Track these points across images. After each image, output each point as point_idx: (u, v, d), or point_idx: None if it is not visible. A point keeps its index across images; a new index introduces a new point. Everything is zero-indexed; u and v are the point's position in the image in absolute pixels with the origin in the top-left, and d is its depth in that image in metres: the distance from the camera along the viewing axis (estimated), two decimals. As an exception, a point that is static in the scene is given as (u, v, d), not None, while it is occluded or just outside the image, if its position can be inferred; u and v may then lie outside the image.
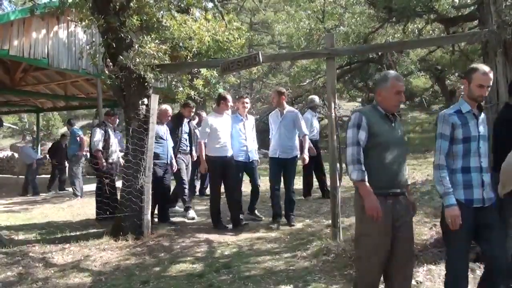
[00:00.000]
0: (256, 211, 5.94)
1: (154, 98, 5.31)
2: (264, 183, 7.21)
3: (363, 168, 2.57)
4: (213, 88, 6.59)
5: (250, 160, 5.72)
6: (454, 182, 2.59)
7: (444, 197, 2.56)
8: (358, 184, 2.58)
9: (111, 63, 5.10)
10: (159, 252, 4.69)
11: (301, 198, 6.98)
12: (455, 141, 2.60)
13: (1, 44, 7.07)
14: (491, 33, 4.03)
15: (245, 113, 5.79)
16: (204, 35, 5.67)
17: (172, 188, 6.43)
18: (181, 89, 5.71)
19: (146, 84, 5.25)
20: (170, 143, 6.08)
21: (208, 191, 7.05)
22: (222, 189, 5.69)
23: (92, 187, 9.06)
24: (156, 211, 5.92)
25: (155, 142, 5.59)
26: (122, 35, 5.04)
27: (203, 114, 7.74)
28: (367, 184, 2.55)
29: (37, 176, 10.61)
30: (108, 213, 6.16)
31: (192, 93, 5.80)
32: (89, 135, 7.76)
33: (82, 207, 7.89)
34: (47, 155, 11.78)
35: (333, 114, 4.56)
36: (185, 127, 6.56)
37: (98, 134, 6.58)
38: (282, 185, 5.54)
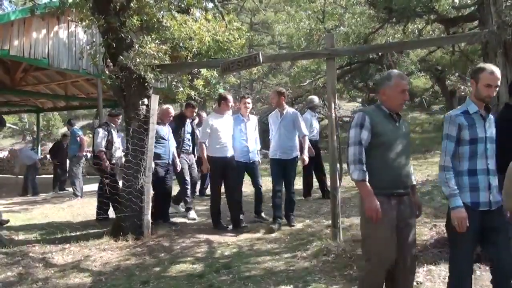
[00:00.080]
0: (262, 213, 5.90)
1: (154, 98, 5.31)
2: (264, 183, 7.20)
3: (364, 168, 2.56)
4: (213, 89, 6.57)
5: (251, 161, 5.71)
6: (460, 184, 2.51)
7: (450, 198, 2.49)
8: (359, 184, 2.57)
9: (111, 63, 5.11)
10: (159, 252, 4.69)
11: (301, 199, 6.97)
12: (461, 142, 2.53)
13: (1, 44, 7.08)
14: (491, 33, 4.03)
15: (247, 114, 5.78)
16: (204, 35, 5.67)
17: (175, 188, 6.42)
18: (181, 89, 5.70)
19: (146, 84, 5.25)
20: (172, 143, 6.07)
21: (208, 191, 7.06)
22: (222, 189, 5.69)
23: (92, 187, 9.08)
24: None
25: (157, 143, 5.59)
26: (123, 35, 5.05)
27: (203, 114, 7.74)
28: (368, 184, 2.54)
29: (37, 176, 10.61)
30: (114, 210, 6.09)
31: (192, 93, 5.79)
32: (90, 135, 7.75)
33: (82, 207, 7.88)
34: (48, 155, 11.76)
35: (333, 115, 4.56)
36: (188, 127, 6.56)
37: (101, 134, 6.58)
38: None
